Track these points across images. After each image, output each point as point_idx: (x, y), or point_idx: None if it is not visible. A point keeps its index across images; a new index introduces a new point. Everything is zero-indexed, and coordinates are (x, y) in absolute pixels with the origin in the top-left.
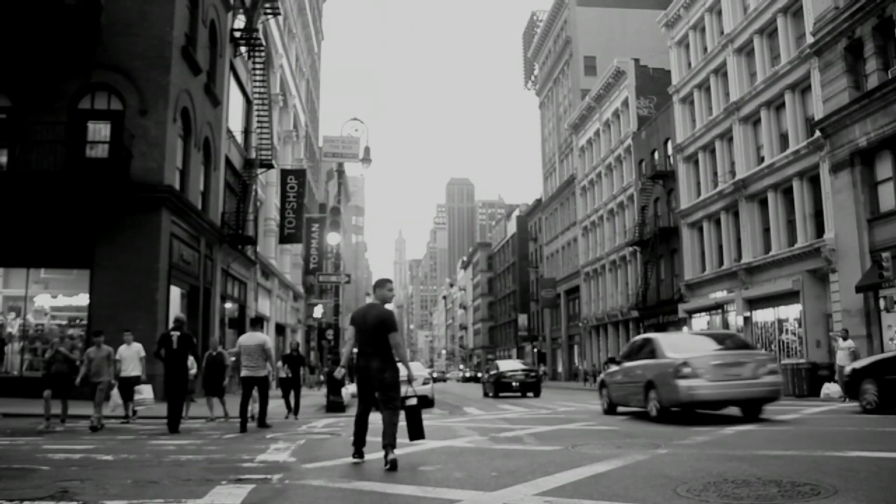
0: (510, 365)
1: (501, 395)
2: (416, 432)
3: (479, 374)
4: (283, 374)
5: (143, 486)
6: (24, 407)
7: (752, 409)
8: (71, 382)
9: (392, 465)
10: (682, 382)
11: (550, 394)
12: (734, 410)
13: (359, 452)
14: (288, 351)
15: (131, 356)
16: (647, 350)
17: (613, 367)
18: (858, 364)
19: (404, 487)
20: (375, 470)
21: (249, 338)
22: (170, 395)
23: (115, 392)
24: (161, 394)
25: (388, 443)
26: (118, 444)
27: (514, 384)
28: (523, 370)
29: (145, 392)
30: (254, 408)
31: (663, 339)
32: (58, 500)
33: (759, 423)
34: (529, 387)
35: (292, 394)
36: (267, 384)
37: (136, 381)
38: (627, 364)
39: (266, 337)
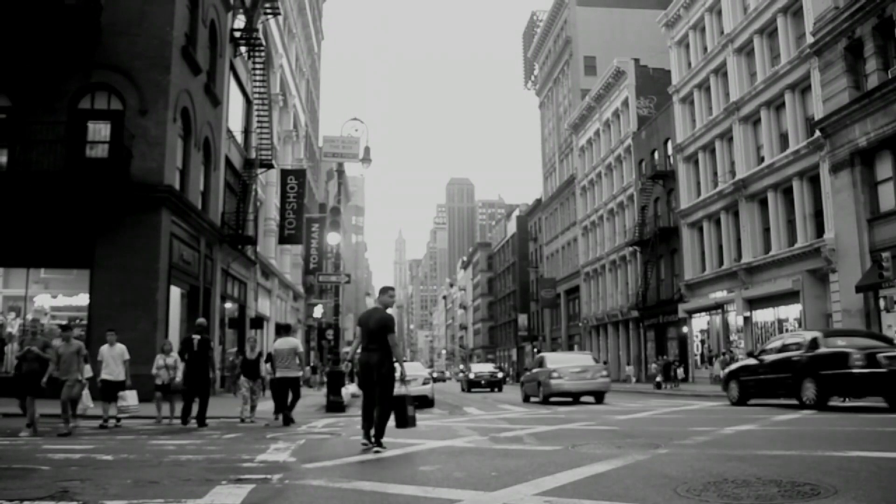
0: (480, 367)
1: (473, 390)
2: (402, 421)
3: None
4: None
5: (143, 486)
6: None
7: (597, 397)
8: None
9: (377, 452)
10: (552, 381)
11: None
12: (590, 398)
13: (367, 436)
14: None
15: (113, 358)
16: (542, 362)
17: (527, 373)
18: (728, 369)
19: (404, 487)
20: (376, 470)
21: (283, 343)
22: (188, 395)
23: (85, 393)
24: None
25: (378, 435)
26: (118, 444)
27: (482, 382)
28: (490, 371)
29: (129, 399)
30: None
31: (548, 356)
32: (58, 500)
33: (759, 423)
34: (494, 384)
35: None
36: (298, 384)
37: (120, 386)
38: (533, 370)
39: (297, 342)
